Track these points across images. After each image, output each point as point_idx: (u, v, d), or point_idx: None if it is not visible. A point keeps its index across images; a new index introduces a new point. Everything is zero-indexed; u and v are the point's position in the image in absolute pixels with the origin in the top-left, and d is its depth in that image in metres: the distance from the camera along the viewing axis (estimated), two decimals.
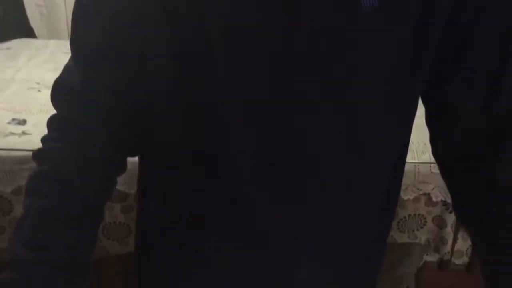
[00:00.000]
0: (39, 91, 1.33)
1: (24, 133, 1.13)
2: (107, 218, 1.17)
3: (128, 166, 1.11)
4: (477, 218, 0.57)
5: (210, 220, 0.59)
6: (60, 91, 0.56)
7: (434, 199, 1.13)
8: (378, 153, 0.57)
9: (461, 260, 1.41)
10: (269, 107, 0.51)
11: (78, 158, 0.54)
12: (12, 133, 1.13)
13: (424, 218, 1.16)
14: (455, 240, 1.28)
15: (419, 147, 1.13)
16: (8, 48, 1.68)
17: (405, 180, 1.09)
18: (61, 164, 0.53)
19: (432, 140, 0.60)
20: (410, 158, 1.08)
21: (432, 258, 1.38)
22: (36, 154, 0.55)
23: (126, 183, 1.13)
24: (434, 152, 0.60)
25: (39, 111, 1.20)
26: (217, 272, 0.61)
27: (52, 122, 0.57)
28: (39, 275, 0.47)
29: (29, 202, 0.51)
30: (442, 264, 1.36)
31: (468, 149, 0.56)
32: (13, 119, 1.18)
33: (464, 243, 1.42)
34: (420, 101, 0.58)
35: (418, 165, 1.11)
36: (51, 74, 0.57)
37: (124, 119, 0.56)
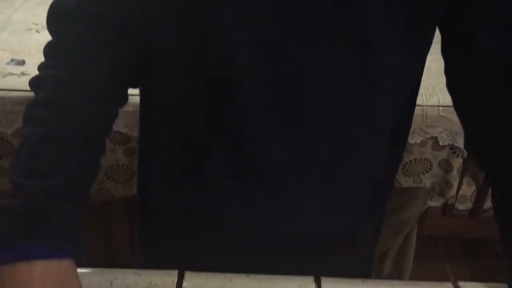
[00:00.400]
0: (37, 31, 1.30)
1: (23, 73, 1.12)
2: (110, 161, 1.16)
3: (130, 108, 1.10)
4: (489, 153, 0.56)
5: (212, 151, 0.57)
6: (56, 17, 0.54)
7: (441, 143, 1.11)
8: (390, 87, 0.54)
9: (464, 206, 1.42)
10: (275, 39, 0.49)
11: (77, 85, 0.52)
12: (11, 74, 1.12)
13: (430, 162, 1.15)
14: (460, 185, 1.28)
15: (428, 90, 1.11)
16: None
17: (412, 124, 1.07)
18: (59, 91, 0.51)
19: (447, 70, 0.58)
20: (418, 101, 1.06)
21: (435, 203, 1.38)
22: (33, 81, 0.53)
23: (128, 125, 1.12)
24: (449, 83, 0.58)
25: (38, 52, 1.17)
26: (217, 201, 0.60)
27: (48, 49, 0.54)
28: (38, 203, 0.46)
29: (28, 130, 0.50)
30: (446, 209, 1.37)
31: (484, 81, 0.54)
32: (12, 60, 1.16)
33: (469, 189, 1.42)
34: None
35: (426, 108, 1.09)
36: None
37: (123, 45, 0.54)
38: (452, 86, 0.58)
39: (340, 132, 0.55)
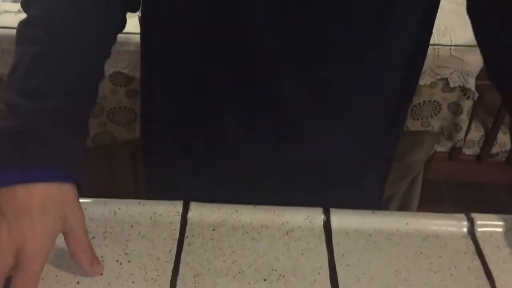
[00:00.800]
0: None
1: (20, 11, 1.08)
2: (112, 103, 1.14)
3: (131, 48, 1.07)
4: (510, 79, 0.53)
5: (219, 78, 0.55)
6: None
7: (451, 85, 1.08)
8: (406, 8, 0.51)
9: (472, 150, 1.40)
10: None
11: (73, 3, 0.49)
12: (7, 11, 1.08)
13: (439, 105, 1.12)
14: (468, 129, 1.25)
15: (440, 29, 1.07)
16: None
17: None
18: (55, 9, 0.48)
19: None
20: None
21: (442, 148, 1.36)
22: (25, 0, 0.49)
23: (130, 65, 1.09)
24: (469, 6, 0.55)
25: None
26: (220, 131, 0.58)
27: None
28: (35, 123, 0.44)
29: (22, 49, 0.47)
30: (452, 154, 1.35)
31: (505, 5, 0.51)
32: None
33: (477, 133, 1.40)
34: None
35: (438, 48, 1.05)
36: None
37: None
38: (472, 9, 0.55)
39: (354, 54, 0.52)
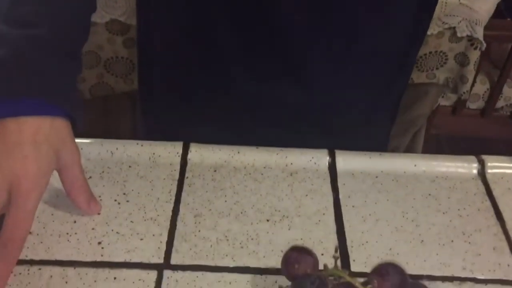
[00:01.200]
0: None
1: None
2: (109, 53, 1.10)
3: None
4: None
5: (219, 19, 0.52)
6: None
7: (459, 34, 1.05)
8: None
9: (476, 105, 1.38)
10: None
11: None
12: None
13: (446, 56, 1.09)
14: (474, 81, 1.22)
15: None
16: None
17: None
18: None
19: None
20: None
21: (446, 102, 1.34)
22: None
23: (126, 12, 1.05)
24: None
25: None
26: (222, 71, 0.55)
27: None
28: (24, 53, 0.41)
29: None
30: (456, 108, 1.33)
31: None
32: None
33: (482, 87, 1.37)
34: None
35: None
36: None
37: None
38: None
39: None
